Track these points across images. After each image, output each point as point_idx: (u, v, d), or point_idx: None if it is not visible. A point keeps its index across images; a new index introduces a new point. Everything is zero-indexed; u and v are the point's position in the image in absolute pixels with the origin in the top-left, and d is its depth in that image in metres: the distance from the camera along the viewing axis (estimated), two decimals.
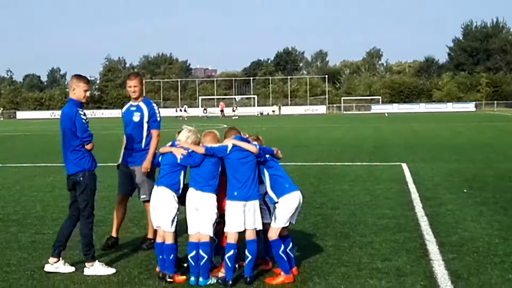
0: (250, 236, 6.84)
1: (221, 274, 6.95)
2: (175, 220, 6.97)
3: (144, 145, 8.52)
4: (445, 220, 10.03)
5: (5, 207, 11.99)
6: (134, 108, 8.62)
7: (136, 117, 8.53)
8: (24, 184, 15.18)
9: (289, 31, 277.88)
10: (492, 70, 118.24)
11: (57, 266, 7.32)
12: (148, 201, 8.23)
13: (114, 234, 8.71)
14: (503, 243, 8.34)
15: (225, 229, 6.86)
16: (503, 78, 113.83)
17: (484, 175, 15.60)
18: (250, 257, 6.76)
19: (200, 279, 6.73)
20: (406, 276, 6.90)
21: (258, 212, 6.87)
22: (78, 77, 7.57)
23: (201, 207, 6.76)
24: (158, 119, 8.65)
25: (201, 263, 6.72)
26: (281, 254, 6.83)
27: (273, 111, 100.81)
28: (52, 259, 7.35)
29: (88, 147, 7.40)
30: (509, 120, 54.97)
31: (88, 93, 7.54)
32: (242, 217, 6.74)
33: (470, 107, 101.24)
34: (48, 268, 7.33)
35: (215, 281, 6.75)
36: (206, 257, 6.72)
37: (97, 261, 7.36)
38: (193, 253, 6.76)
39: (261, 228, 6.96)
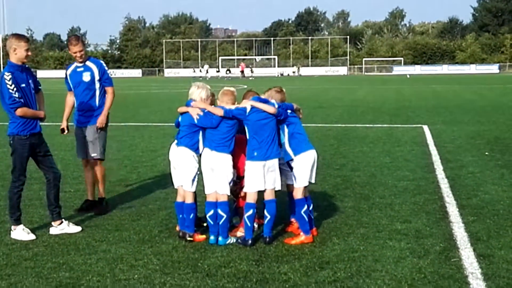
0: (269, 196, 6.88)
1: (240, 233, 7.03)
2: (196, 179, 7.01)
3: (98, 104, 8.42)
4: (465, 182, 9.99)
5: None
6: (81, 69, 8.40)
7: (86, 77, 8.37)
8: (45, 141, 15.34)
9: None
10: None
11: (62, 227, 7.32)
12: (99, 159, 8.42)
13: (89, 197, 8.65)
14: None
15: (245, 189, 6.91)
16: None
17: (506, 138, 15.45)
18: (269, 217, 6.81)
19: (220, 238, 6.77)
20: (426, 238, 6.91)
21: (277, 171, 6.89)
22: (18, 36, 7.21)
23: (217, 167, 6.77)
24: (110, 76, 8.65)
25: (220, 222, 6.75)
26: (303, 214, 6.88)
27: (293, 72, 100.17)
28: (55, 223, 7.34)
29: (17, 113, 7.08)
30: None
31: (30, 53, 7.26)
32: (262, 177, 6.77)
33: (493, 69, 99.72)
34: (53, 231, 7.31)
35: (234, 240, 6.82)
36: (225, 216, 6.74)
37: (21, 225, 7.19)
38: (211, 212, 6.80)
39: (280, 188, 6.99)
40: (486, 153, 13.01)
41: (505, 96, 33.80)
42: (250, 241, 6.71)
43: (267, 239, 6.78)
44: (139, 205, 8.73)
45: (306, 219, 6.90)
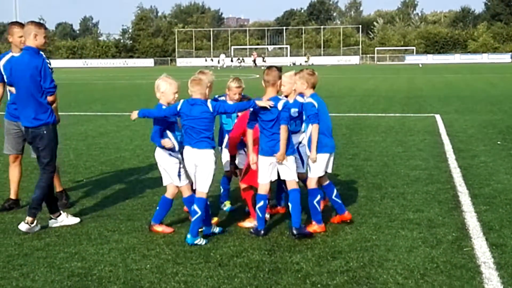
0: (290, 186, 6.81)
1: (248, 224, 7.05)
2: (182, 174, 6.91)
3: None
4: (478, 172, 9.95)
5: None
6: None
7: None
8: (58, 132, 15.42)
9: None
10: None
11: (61, 219, 7.26)
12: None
13: (13, 196, 8.16)
14: None
15: (258, 181, 6.90)
16: None
17: None
18: (290, 206, 6.73)
19: (188, 236, 6.44)
20: (438, 227, 6.90)
21: (289, 163, 6.79)
22: (37, 23, 7.12)
23: (199, 164, 6.53)
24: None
25: (193, 219, 6.47)
26: (315, 204, 6.87)
27: (305, 61, 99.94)
28: (54, 215, 7.25)
29: (50, 98, 7.03)
30: None
31: (47, 40, 7.17)
32: (270, 170, 6.74)
33: (506, 58, 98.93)
34: (52, 223, 7.21)
35: (204, 242, 6.40)
36: (199, 213, 6.46)
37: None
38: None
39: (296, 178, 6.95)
40: (499, 142, 12.94)
41: None
42: (262, 231, 6.73)
43: (293, 230, 6.64)
44: (151, 195, 8.77)
45: (319, 208, 6.90)
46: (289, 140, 6.71)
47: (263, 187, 6.82)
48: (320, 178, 7.00)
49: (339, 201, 7.18)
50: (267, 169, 6.76)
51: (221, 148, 7.88)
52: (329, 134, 6.98)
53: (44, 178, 7.10)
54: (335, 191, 7.19)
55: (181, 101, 6.61)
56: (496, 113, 19.01)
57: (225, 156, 7.79)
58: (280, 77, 6.93)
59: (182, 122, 6.60)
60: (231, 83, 7.70)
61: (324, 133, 6.89)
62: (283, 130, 6.60)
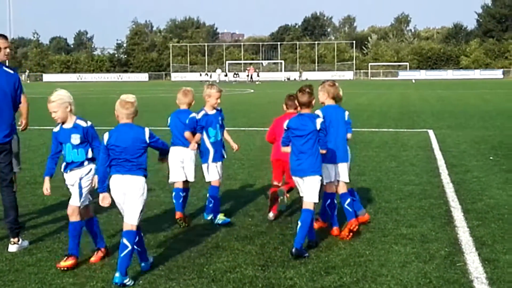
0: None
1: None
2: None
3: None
4: (470, 187, 9.99)
5: (31, 170, 12.20)
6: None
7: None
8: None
9: None
10: None
11: (22, 243, 6.93)
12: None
13: None
14: None
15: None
16: None
17: (511, 143, 15.43)
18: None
19: (116, 274, 5.70)
20: (431, 242, 6.92)
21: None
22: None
23: (128, 192, 5.93)
24: None
25: (122, 255, 5.75)
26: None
27: (299, 77, 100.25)
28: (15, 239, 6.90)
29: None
30: None
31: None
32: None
33: (498, 74, 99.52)
34: (14, 248, 6.84)
35: (131, 283, 5.74)
36: (129, 247, 5.77)
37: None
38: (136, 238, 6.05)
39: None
40: (491, 158, 13.00)
41: (509, 101, 33.71)
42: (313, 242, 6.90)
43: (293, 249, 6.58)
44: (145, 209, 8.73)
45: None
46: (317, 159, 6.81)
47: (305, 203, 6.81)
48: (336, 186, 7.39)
49: (350, 209, 7.36)
50: (300, 186, 6.91)
51: (209, 164, 7.97)
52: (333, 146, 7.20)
53: (12, 195, 7.01)
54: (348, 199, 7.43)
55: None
56: (489, 128, 19.11)
57: (213, 168, 7.94)
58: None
59: (110, 148, 5.95)
60: (211, 90, 7.90)
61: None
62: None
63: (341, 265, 6.18)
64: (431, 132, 17.96)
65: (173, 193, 8.15)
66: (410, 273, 5.91)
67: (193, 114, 8.02)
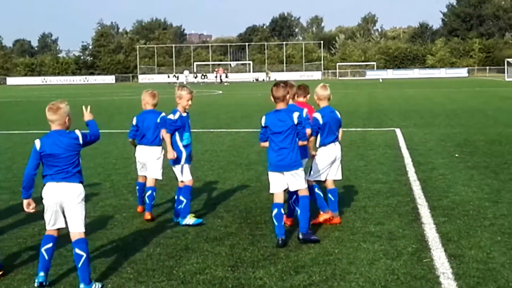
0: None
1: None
2: None
3: None
4: (436, 184, 10.15)
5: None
6: None
7: None
8: (15, 151, 15.17)
9: None
10: (484, 35, 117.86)
11: None
12: None
13: None
14: (492, 206, 8.47)
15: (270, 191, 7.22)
16: (495, 44, 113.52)
17: (476, 140, 15.71)
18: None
19: (81, 286, 5.60)
20: (398, 240, 7.01)
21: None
22: None
23: (67, 201, 5.75)
24: None
25: (79, 264, 5.63)
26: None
27: (268, 77, 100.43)
28: None
29: None
30: (500, 86, 55.02)
31: None
32: (280, 181, 7.12)
33: (462, 72, 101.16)
34: None
35: (100, 286, 5.74)
36: (84, 255, 5.65)
37: None
38: (50, 245, 5.81)
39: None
40: (456, 155, 13.22)
41: (474, 99, 34.33)
42: (280, 240, 6.90)
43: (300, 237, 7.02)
44: (112, 213, 8.70)
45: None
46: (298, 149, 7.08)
47: (277, 197, 7.08)
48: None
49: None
50: (278, 181, 7.07)
51: (182, 165, 7.98)
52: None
53: None
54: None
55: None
56: (454, 126, 19.43)
57: (186, 168, 8.02)
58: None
59: (43, 156, 5.74)
60: (182, 92, 7.93)
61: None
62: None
63: (311, 264, 6.23)
64: (398, 131, 18.19)
65: (136, 186, 8.77)
66: (378, 270, 5.99)
67: (164, 114, 8.28)
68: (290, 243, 6.99)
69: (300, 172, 7.07)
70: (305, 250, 6.72)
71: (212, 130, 20.08)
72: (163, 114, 8.32)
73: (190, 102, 8.00)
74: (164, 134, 8.07)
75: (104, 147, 15.44)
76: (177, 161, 7.99)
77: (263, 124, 7.08)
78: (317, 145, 7.88)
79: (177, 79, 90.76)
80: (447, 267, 6.01)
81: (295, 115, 6.94)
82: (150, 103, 8.47)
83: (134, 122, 8.55)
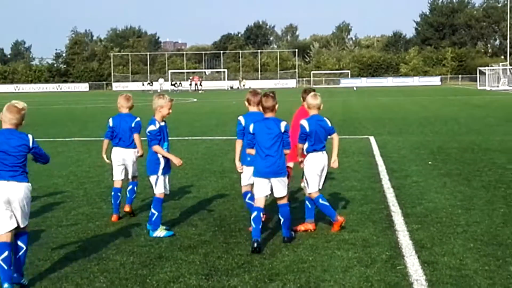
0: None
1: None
2: None
3: None
4: (410, 191, 10.22)
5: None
6: None
7: None
8: None
9: (259, 4, 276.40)
10: (457, 44, 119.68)
11: None
12: None
13: None
14: (465, 214, 8.55)
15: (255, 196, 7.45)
16: (467, 53, 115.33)
17: (448, 147, 15.88)
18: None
19: (15, 275, 5.80)
20: (372, 247, 7.03)
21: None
22: None
23: (15, 199, 5.78)
24: None
25: (19, 256, 5.86)
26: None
27: (243, 85, 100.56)
28: None
29: None
30: (472, 94, 55.82)
31: None
32: (265, 187, 7.38)
33: (435, 81, 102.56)
34: None
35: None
36: (24, 248, 5.92)
37: None
38: (5, 253, 5.67)
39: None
40: (430, 163, 13.34)
41: (446, 107, 34.76)
42: (255, 243, 6.95)
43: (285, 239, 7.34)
44: (85, 222, 8.59)
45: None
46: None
47: (259, 201, 7.25)
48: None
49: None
50: (263, 186, 7.29)
51: (158, 176, 7.89)
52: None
53: None
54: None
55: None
56: (427, 134, 19.63)
57: (161, 181, 7.93)
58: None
59: None
60: (163, 101, 7.92)
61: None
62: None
63: (285, 272, 6.21)
64: (372, 139, 18.31)
65: (112, 193, 8.84)
66: (352, 278, 5.99)
67: (139, 119, 8.72)
68: (265, 250, 6.97)
69: (285, 179, 7.36)
70: (279, 258, 6.70)
71: (186, 138, 20.00)
72: (138, 119, 8.70)
73: (170, 111, 7.97)
74: (137, 138, 8.57)
75: (78, 155, 15.30)
76: (154, 170, 7.92)
77: (250, 131, 7.34)
78: (305, 152, 7.97)
79: (152, 86, 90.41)
80: (421, 274, 6.04)
81: (283, 124, 7.31)
82: (124, 106, 8.80)
83: (110, 124, 8.84)
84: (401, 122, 24.66)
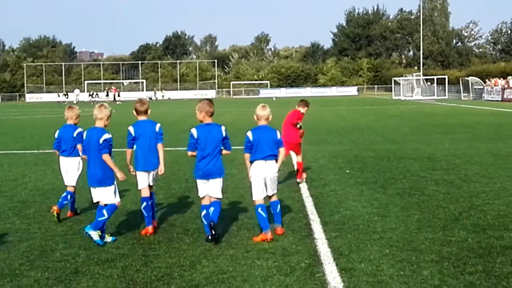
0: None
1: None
2: None
3: None
4: (328, 200, 10.40)
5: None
6: None
7: None
8: None
9: (178, 14, 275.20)
10: (373, 55, 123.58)
11: None
12: None
13: None
14: (381, 221, 8.78)
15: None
16: (383, 63, 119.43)
17: (365, 156, 16.30)
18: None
19: None
20: (292, 255, 7.10)
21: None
22: None
23: None
24: None
25: None
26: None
27: (162, 96, 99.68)
28: None
29: None
30: (388, 104, 57.67)
31: None
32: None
33: (352, 91, 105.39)
34: None
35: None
36: None
37: None
38: None
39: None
40: (347, 171, 13.64)
41: (363, 117, 35.72)
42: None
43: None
44: None
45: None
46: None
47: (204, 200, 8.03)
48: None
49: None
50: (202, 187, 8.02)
51: (116, 185, 8.14)
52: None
53: None
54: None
55: None
56: (345, 143, 20.08)
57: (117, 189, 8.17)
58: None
59: None
60: (106, 111, 8.17)
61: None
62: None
63: (205, 283, 6.17)
64: None
65: (63, 194, 9.40)
66: (272, 287, 6.02)
67: (81, 129, 9.21)
68: (184, 262, 6.90)
69: (220, 181, 8.16)
70: (199, 269, 6.65)
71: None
72: (80, 129, 9.30)
73: (109, 121, 8.35)
74: (78, 146, 9.30)
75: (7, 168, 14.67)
76: (110, 182, 7.99)
77: (195, 136, 7.95)
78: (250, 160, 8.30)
79: (67, 97, 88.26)
80: (339, 281, 6.15)
81: (223, 128, 8.21)
82: (68, 117, 9.61)
83: (56, 135, 9.61)
84: (320, 131, 25.13)
